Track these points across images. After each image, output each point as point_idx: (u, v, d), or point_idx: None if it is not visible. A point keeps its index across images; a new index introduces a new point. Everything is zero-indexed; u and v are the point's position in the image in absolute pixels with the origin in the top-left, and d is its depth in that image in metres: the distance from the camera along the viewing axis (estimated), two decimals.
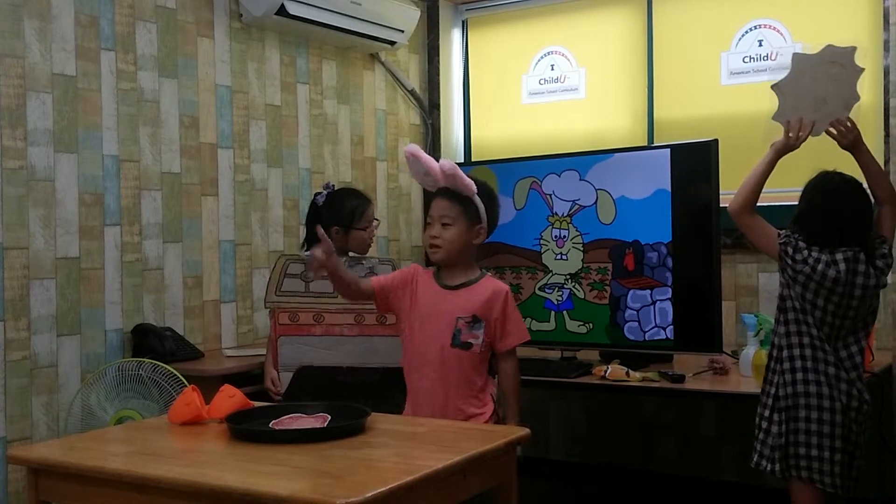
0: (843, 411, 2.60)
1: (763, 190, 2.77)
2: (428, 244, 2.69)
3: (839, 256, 2.59)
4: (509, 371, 2.71)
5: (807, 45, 3.97)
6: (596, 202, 3.55)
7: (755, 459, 2.71)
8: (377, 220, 3.44)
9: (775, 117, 2.78)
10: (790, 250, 2.64)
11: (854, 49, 2.73)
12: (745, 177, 2.77)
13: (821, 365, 2.61)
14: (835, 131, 2.73)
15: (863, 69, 2.74)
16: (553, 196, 3.65)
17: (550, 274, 3.67)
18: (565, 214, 3.63)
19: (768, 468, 2.66)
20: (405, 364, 2.72)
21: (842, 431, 2.60)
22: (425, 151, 4.77)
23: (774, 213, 3.42)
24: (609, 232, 3.50)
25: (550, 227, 3.67)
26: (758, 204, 2.79)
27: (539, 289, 3.68)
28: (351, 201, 3.36)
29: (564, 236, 3.63)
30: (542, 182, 3.67)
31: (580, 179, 3.60)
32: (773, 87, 2.79)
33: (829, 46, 2.76)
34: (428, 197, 2.87)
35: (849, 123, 2.72)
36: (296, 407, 2.35)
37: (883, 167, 3.63)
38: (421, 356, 2.66)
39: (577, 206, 3.60)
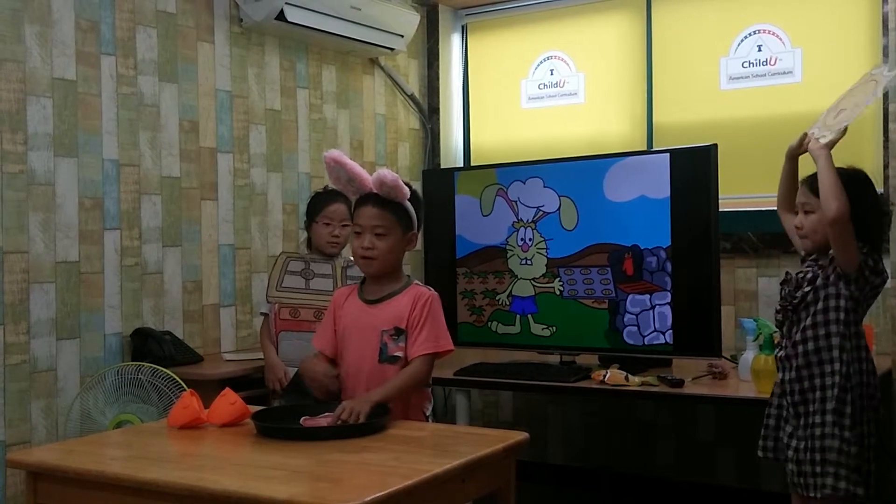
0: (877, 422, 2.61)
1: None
2: (359, 255, 2.52)
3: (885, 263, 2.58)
4: (410, 370, 2.47)
5: (803, 49, 3.99)
6: (559, 208, 3.61)
7: (842, 486, 2.50)
8: (350, 223, 3.42)
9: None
10: (871, 262, 2.53)
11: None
12: (828, 183, 2.49)
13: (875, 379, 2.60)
14: (803, 141, 2.65)
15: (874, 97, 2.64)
16: (518, 202, 3.71)
17: (516, 278, 3.71)
18: (530, 220, 3.67)
19: (858, 491, 2.51)
20: (344, 377, 2.57)
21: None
22: (425, 156, 4.85)
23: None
24: (608, 236, 3.50)
25: (515, 233, 3.72)
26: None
27: (505, 293, 3.75)
28: (320, 198, 3.46)
29: (529, 242, 3.67)
30: (507, 189, 3.74)
31: (544, 186, 3.65)
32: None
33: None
34: None
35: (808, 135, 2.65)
36: (314, 408, 2.38)
37: (881, 172, 3.64)
38: (353, 375, 2.53)
39: (541, 213, 3.66)
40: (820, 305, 2.56)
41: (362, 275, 3.13)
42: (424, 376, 2.51)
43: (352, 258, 3.32)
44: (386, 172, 2.47)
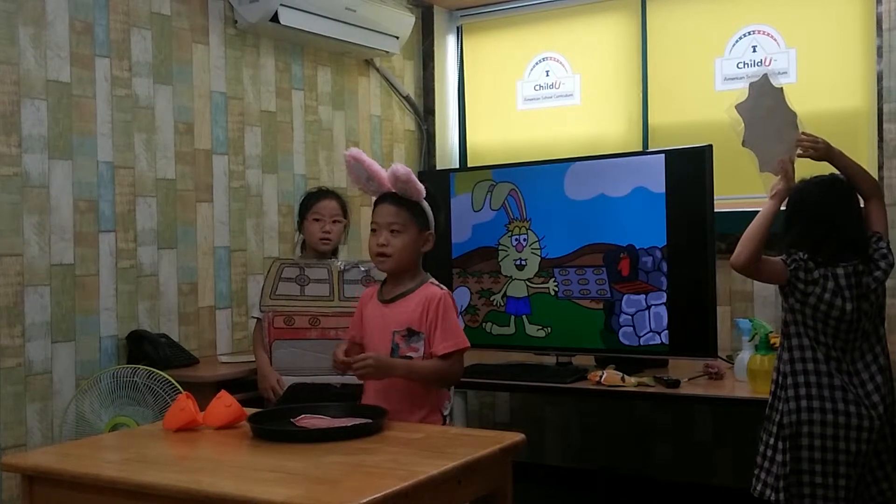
0: (845, 438, 2.57)
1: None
2: (375, 252, 2.55)
3: (840, 272, 2.59)
4: (444, 365, 2.52)
5: (797, 49, 4.00)
6: (554, 209, 3.63)
7: (758, 488, 2.66)
8: (342, 220, 3.44)
9: (763, 169, 2.80)
10: (802, 274, 2.61)
11: (766, 76, 2.80)
12: (748, 230, 2.68)
13: (825, 391, 2.59)
14: (802, 150, 2.75)
15: (782, 87, 2.79)
16: (514, 203, 3.71)
17: (510, 279, 3.72)
18: (524, 219, 3.67)
19: (772, 497, 2.61)
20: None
21: (846, 458, 2.57)
22: (421, 157, 4.85)
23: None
24: (603, 236, 3.51)
25: (509, 233, 3.72)
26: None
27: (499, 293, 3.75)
28: (311, 196, 3.47)
29: (524, 242, 3.67)
30: (502, 189, 3.75)
31: (540, 187, 3.66)
32: (744, 145, 2.82)
33: (750, 84, 2.82)
34: None
35: (808, 137, 2.75)
36: (315, 409, 2.38)
37: (877, 172, 3.65)
38: None
39: (536, 213, 3.67)
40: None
41: (359, 278, 3.13)
42: (456, 374, 2.57)
43: (350, 261, 3.34)
44: (399, 166, 2.53)
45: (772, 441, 2.65)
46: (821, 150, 2.74)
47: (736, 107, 2.81)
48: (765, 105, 2.79)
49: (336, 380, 3.12)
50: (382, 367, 2.45)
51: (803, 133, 2.76)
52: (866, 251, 2.64)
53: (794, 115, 2.78)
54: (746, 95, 2.82)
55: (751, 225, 2.68)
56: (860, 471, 2.61)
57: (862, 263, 2.62)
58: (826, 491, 2.58)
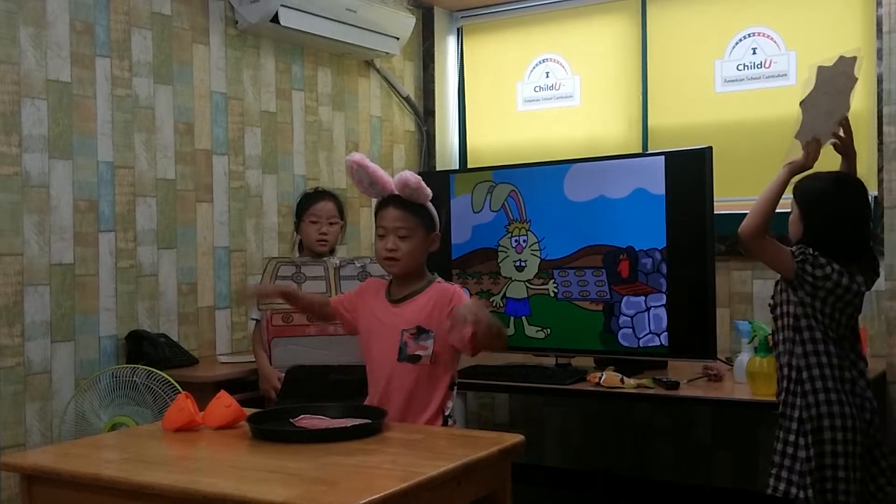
0: (861, 430, 2.56)
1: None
2: (384, 257, 2.55)
3: (854, 268, 2.58)
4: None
5: (797, 51, 4.00)
6: (554, 210, 3.62)
7: (781, 487, 2.57)
8: (339, 221, 3.44)
9: (799, 135, 2.67)
10: (809, 267, 2.55)
11: (857, 59, 2.67)
12: (757, 199, 2.61)
13: (839, 384, 2.57)
14: (836, 139, 2.69)
15: (857, 79, 2.70)
16: (513, 204, 3.70)
17: (510, 280, 3.72)
18: (524, 221, 3.67)
19: (800, 495, 2.54)
20: (368, 376, 2.62)
21: (861, 450, 2.56)
22: (420, 158, 4.85)
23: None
24: (603, 238, 3.51)
25: (509, 234, 3.72)
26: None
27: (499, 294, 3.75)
28: (307, 197, 3.48)
29: (523, 243, 3.67)
30: (502, 190, 3.73)
31: (540, 188, 3.65)
32: (801, 103, 2.68)
33: (841, 57, 2.68)
34: None
35: (845, 125, 2.69)
36: (314, 409, 2.38)
37: (876, 175, 3.65)
38: (376, 372, 2.57)
39: (536, 214, 3.66)
40: (778, 311, 2.67)
41: (355, 274, 3.13)
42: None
43: (346, 258, 3.35)
44: (409, 175, 2.51)
45: (791, 438, 2.59)
46: (844, 141, 2.69)
47: (818, 67, 2.67)
48: (839, 82, 2.66)
49: (337, 360, 3.12)
50: (482, 312, 2.35)
51: (845, 118, 2.67)
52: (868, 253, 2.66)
53: (848, 109, 2.68)
54: (833, 63, 2.67)
55: (761, 194, 2.60)
56: (866, 462, 2.62)
57: (872, 261, 2.64)
58: (848, 485, 2.54)
